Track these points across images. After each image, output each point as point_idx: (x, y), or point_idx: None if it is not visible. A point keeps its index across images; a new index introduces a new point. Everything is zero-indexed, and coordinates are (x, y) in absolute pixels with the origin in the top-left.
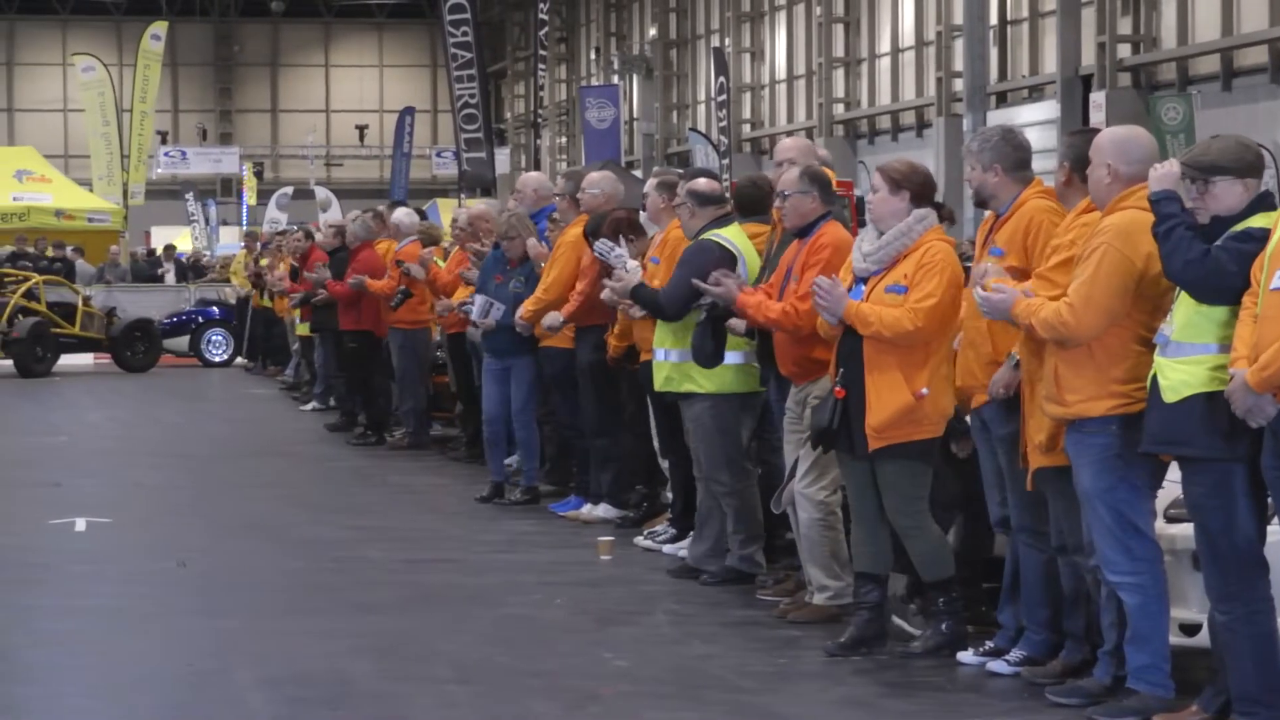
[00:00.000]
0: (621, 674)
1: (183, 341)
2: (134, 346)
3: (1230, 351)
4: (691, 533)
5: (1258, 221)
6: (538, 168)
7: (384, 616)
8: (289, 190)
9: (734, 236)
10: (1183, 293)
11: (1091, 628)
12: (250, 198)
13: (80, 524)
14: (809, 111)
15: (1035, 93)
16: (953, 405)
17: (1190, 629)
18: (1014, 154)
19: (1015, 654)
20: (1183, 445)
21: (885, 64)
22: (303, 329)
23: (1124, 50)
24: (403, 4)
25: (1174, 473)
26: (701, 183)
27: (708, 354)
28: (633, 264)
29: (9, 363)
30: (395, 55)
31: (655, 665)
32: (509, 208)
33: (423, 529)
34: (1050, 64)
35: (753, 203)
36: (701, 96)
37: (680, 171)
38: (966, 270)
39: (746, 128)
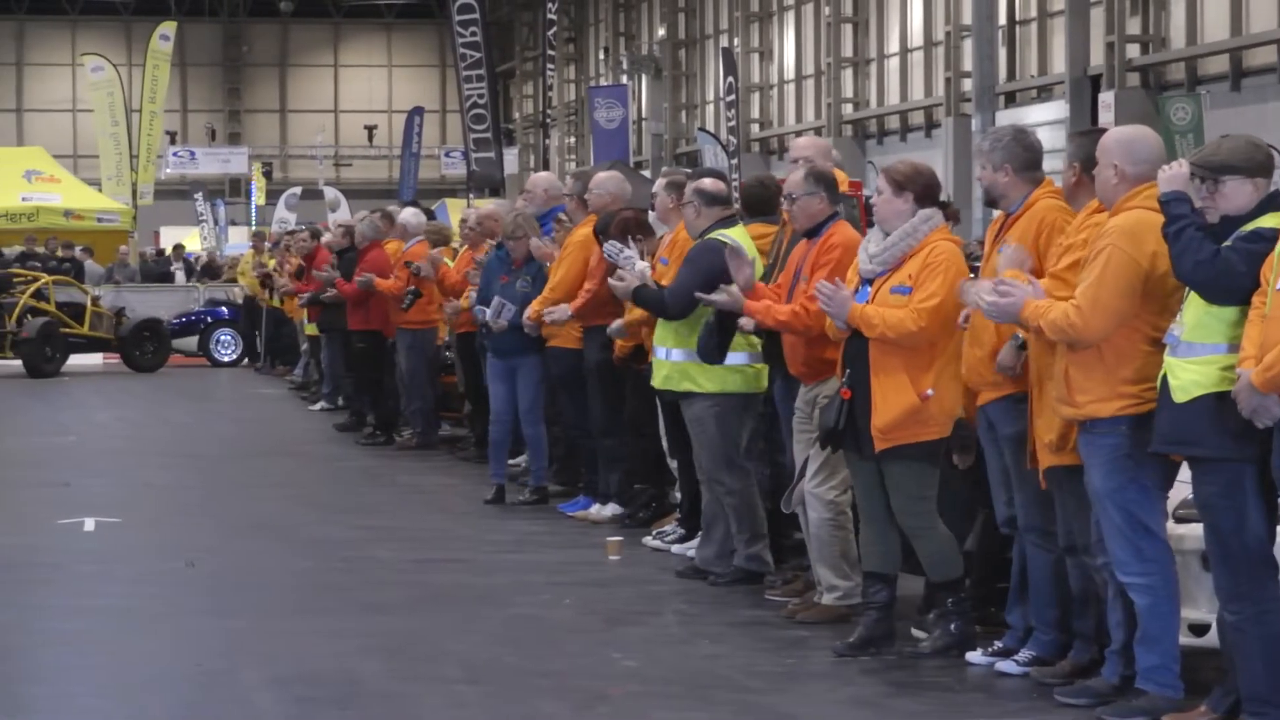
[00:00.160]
0: (630, 674)
1: (191, 341)
2: (143, 346)
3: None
4: (699, 534)
5: (1267, 222)
6: (546, 168)
7: (393, 616)
8: (298, 190)
9: (738, 237)
10: (1192, 293)
11: (1100, 628)
12: (259, 198)
13: (89, 524)
14: (818, 111)
15: (1044, 93)
16: (960, 405)
17: (1199, 629)
18: (1025, 154)
19: (1024, 654)
20: (1193, 445)
21: (894, 64)
22: (310, 329)
23: (1133, 50)
24: (411, 4)
25: (1182, 473)
26: (708, 182)
27: (711, 350)
28: (641, 264)
29: (18, 363)
30: (404, 55)
31: (664, 665)
32: (517, 207)
33: (431, 529)
34: (1059, 64)
35: (760, 203)
36: (710, 96)
37: (689, 171)
38: (975, 270)
39: (755, 128)
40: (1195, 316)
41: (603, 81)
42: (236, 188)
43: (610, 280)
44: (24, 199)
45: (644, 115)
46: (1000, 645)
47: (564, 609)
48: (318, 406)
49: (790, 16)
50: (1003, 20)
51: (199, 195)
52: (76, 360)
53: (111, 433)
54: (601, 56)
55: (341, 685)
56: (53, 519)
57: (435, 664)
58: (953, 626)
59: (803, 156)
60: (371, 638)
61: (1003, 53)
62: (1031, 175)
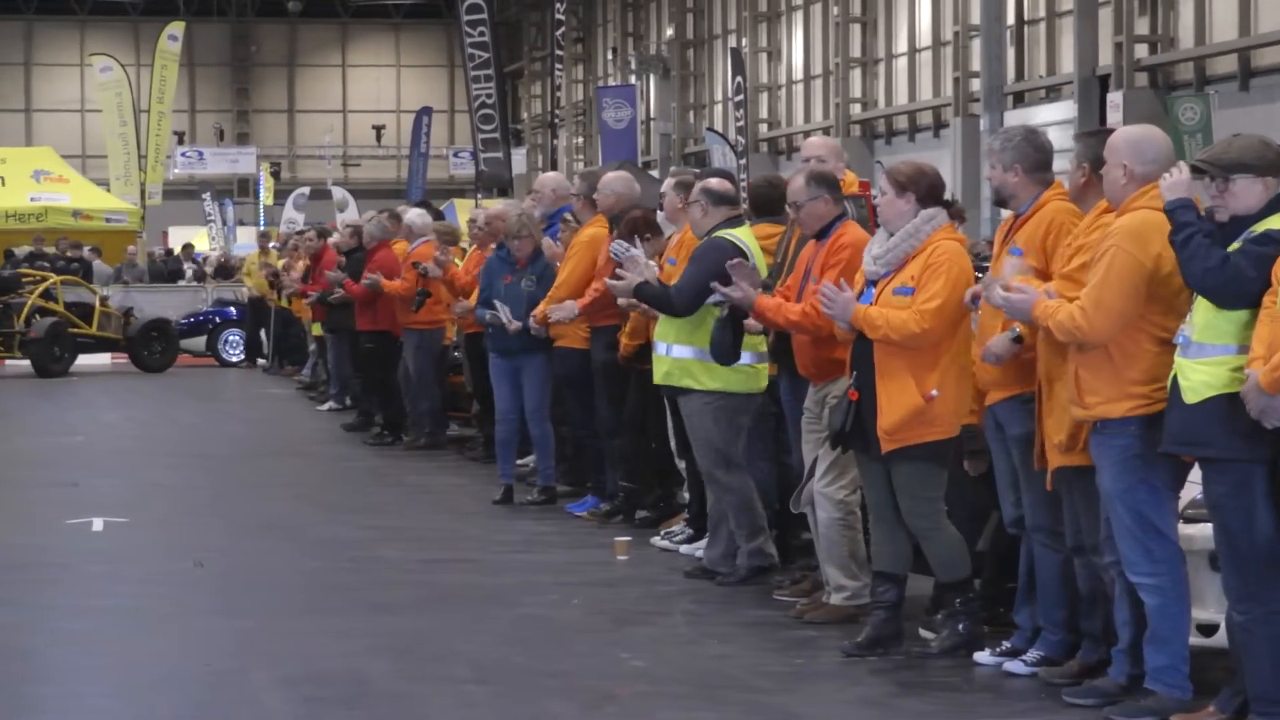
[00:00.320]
0: (638, 674)
1: (200, 341)
2: (151, 346)
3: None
4: (707, 534)
5: (1277, 223)
6: (554, 168)
7: (401, 616)
8: (306, 190)
9: (744, 237)
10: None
11: (1108, 628)
12: (267, 198)
13: (98, 524)
14: (826, 111)
15: (1052, 93)
16: (968, 404)
17: (1208, 629)
18: (1035, 155)
19: (1032, 654)
20: (1203, 446)
21: (902, 64)
22: (315, 329)
23: (1141, 50)
24: (420, 4)
25: (1192, 473)
26: (715, 182)
27: (726, 349)
28: (650, 264)
29: (26, 363)
30: (412, 55)
31: (672, 665)
32: (525, 207)
33: (440, 529)
34: (1067, 64)
35: (768, 203)
36: (718, 96)
37: (697, 171)
38: (985, 270)
39: (764, 127)
40: (1205, 318)
41: (611, 81)
42: (245, 188)
43: (607, 279)
44: (32, 199)
45: (652, 115)
46: (1008, 645)
47: (572, 609)
48: (326, 407)
49: (798, 16)
50: (1011, 20)
51: (207, 195)
52: (85, 360)
53: (120, 433)
54: (610, 56)
55: (349, 685)
56: (61, 519)
57: (443, 664)
58: (961, 627)
59: (814, 156)
60: (379, 638)
61: (1011, 53)
62: (1042, 176)
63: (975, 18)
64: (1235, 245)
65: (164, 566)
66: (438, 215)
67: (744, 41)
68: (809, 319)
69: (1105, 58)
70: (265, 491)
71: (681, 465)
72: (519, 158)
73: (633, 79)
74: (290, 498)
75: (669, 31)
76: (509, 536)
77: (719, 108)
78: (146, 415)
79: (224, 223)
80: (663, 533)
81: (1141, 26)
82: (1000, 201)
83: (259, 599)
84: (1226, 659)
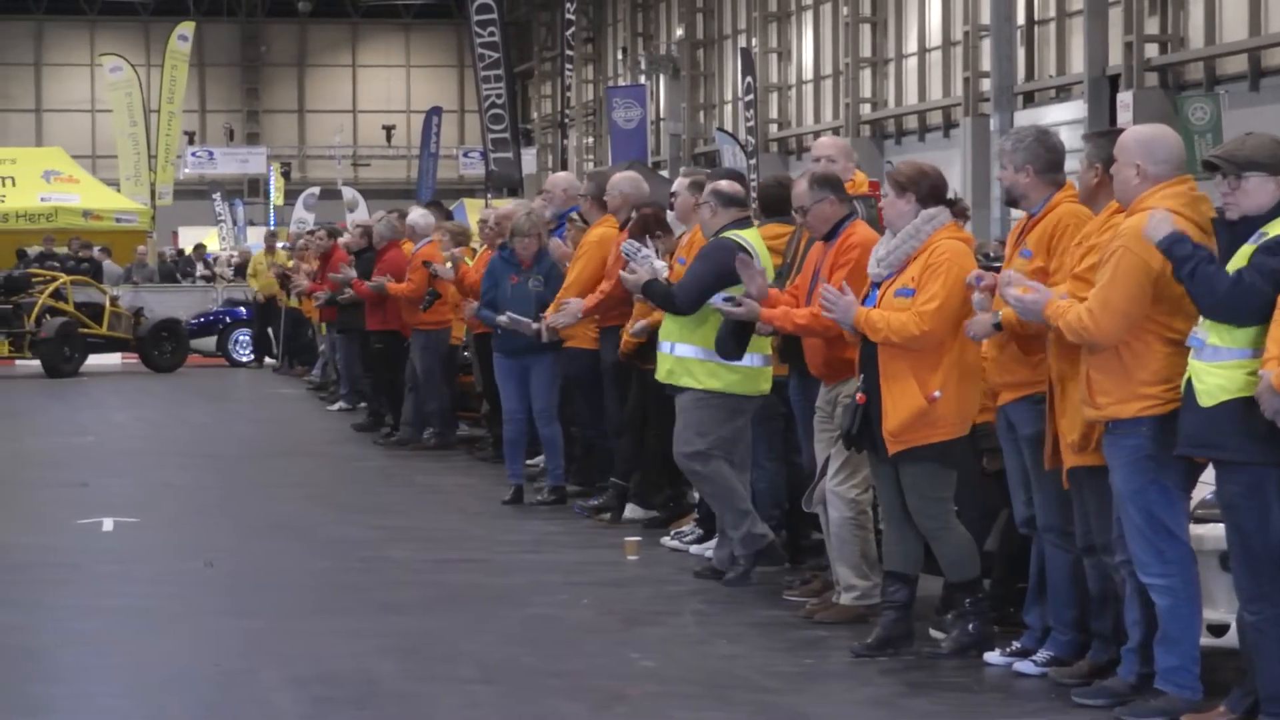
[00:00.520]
0: (648, 674)
1: (210, 341)
2: (161, 346)
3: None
4: (717, 534)
5: None
6: (564, 168)
7: (410, 616)
8: (316, 190)
9: (752, 238)
10: None
11: (1118, 628)
12: (277, 198)
13: (108, 524)
14: (836, 112)
15: (1062, 93)
16: (976, 404)
17: (1218, 629)
18: (1046, 155)
19: (1042, 654)
20: (1217, 449)
21: (912, 64)
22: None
23: (1151, 50)
24: (430, 4)
25: (1203, 474)
26: (724, 184)
27: (729, 347)
28: (659, 264)
29: (37, 363)
30: (422, 55)
31: (681, 665)
32: (536, 207)
33: (449, 529)
34: (1077, 64)
35: (777, 203)
36: (728, 96)
37: (709, 171)
38: (996, 271)
39: (774, 128)
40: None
41: (621, 81)
42: (255, 188)
43: (622, 273)
44: (43, 199)
45: (662, 115)
46: (1018, 645)
47: (582, 609)
48: (335, 407)
49: (808, 16)
50: (1021, 20)
51: (217, 195)
52: (95, 360)
53: (130, 433)
54: (620, 56)
55: (359, 685)
56: (71, 519)
57: (452, 664)
58: (970, 627)
59: (824, 156)
60: (389, 638)
61: (1021, 53)
62: (1053, 177)
63: (985, 18)
64: (1249, 247)
65: (174, 566)
66: (447, 215)
67: (754, 41)
68: (817, 321)
69: (1115, 57)
70: (275, 491)
71: None
72: (529, 158)
73: (643, 79)
74: (300, 498)
75: (679, 31)
76: (518, 536)
77: (729, 108)
78: (157, 415)
79: (234, 223)
80: (672, 533)
81: (1151, 26)
82: (1011, 201)
83: (269, 599)
84: (1237, 659)
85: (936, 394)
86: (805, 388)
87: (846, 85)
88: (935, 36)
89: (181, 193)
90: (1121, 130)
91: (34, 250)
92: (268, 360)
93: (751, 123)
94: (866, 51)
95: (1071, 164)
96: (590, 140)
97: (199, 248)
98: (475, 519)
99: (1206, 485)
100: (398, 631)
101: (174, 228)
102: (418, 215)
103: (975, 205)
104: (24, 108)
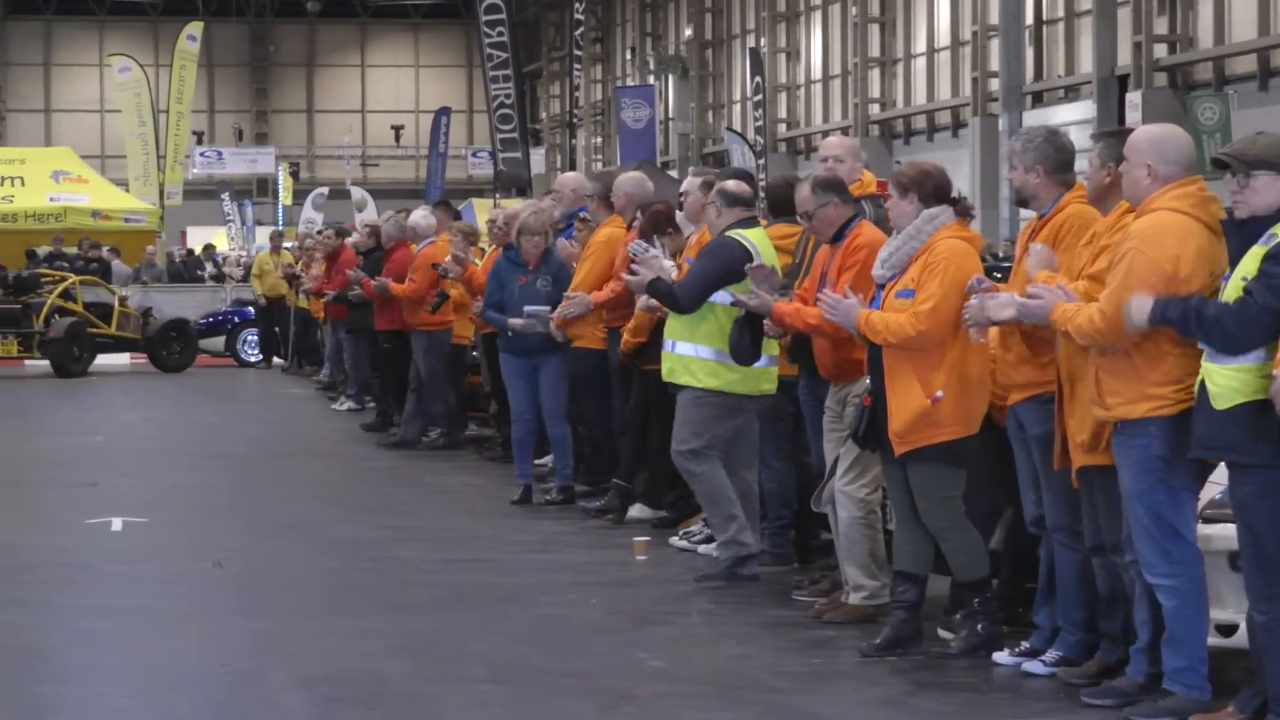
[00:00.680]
0: (656, 674)
1: (218, 341)
2: (170, 346)
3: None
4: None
5: None
6: (573, 168)
7: (419, 616)
8: (324, 190)
9: (756, 238)
10: (1227, 299)
11: (1127, 628)
12: (286, 198)
13: (117, 524)
14: (844, 111)
15: (1071, 93)
16: (983, 404)
17: (1227, 630)
18: (1056, 156)
19: (1051, 654)
20: (1231, 451)
21: (921, 64)
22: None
23: (1160, 50)
24: (438, 4)
25: (1212, 474)
26: (731, 184)
27: (745, 351)
28: (667, 264)
29: (45, 363)
30: (431, 55)
31: (690, 665)
32: (545, 206)
33: (457, 529)
34: (1086, 64)
35: (786, 203)
36: (737, 96)
37: (719, 171)
38: (1004, 272)
39: (782, 127)
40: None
41: (629, 81)
42: (264, 188)
43: (624, 274)
44: (52, 199)
45: (671, 115)
46: (1027, 645)
47: (590, 609)
48: (344, 407)
49: (817, 16)
50: (1030, 20)
51: (226, 195)
52: (104, 360)
53: (139, 433)
54: (628, 56)
55: (367, 685)
56: (80, 519)
57: (461, 664)
58: (979, 627)
59: (832, 156)
60: (397, 638)
61: (1030, 52)
62: (1063, 177)
63: (994, 17)
64: (1259, 249)
65: (183, 566)
66: (455, 215)
67: (763, 41)
68: (827, 322)
69: (1124, 57)
70: (284, 492)
71: None
72: (537, 158)
73: (651, 79)
74: (309, 498)
75: (688, 31)
76: (527, 536)
77: (737, 108)
78: (165, 415)
79: (243, 223)
80: (681, 533)
81: (1160, 26)
82: (1021, 202)
83: (277, 599)
84: (1245, 659)
85: (939, 394)
86: (814, 388)
87: (855, 85)
88: (944, 36)
89: (190, 193)
90: (1132, 130)
91: (43, 250)
92: (275, 360)
93: (760, 122)
94: (875, 51)
95: (1080, 164)
96: (599, 140)
97: (208, 248)
98: (484, 519)
99: (1215, 485)
100: (406, 631)
101: (183, 228)
102: (418, 216)
103: (984, 205)
104: (33, 108)
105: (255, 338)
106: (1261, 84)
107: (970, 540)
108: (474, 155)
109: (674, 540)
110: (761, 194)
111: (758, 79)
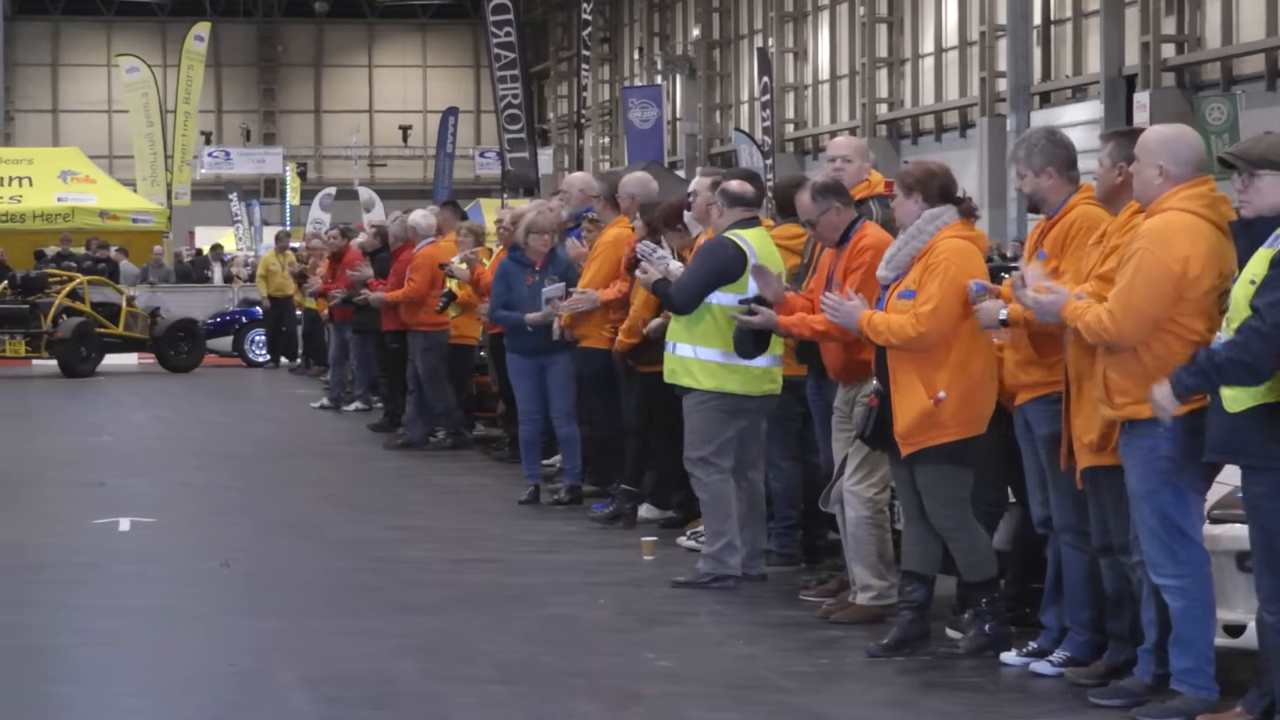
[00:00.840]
0: (664, 674)
1: (226, 342)
2: (178, 346)
3: None
4: None
5: None
6: (581, 168)
7: (427, 617)
8: (332, 191)
9: (753, 238)
10: (1239, 300)
11: (1135, 629)
12: (293, 198)
13: (125, 524)
14: (852, 112)
15: (1079, 93)
16: (989, 404)
17: (1234, 630)
18: (1064, 153)
19: (1058, 655)
20: (1244, 454)
21: (929, 64)
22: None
23: (1168, 50)
24: (446, 5)
25: (1220, 475)
26: (734, 184)
27: (747, 346)
28: (675, 264)
29: (53, 362)
30: (438, 56)
31: (698, 665)
32: (553, 206)
33: (465, 529)
34: (1094, 64)
35: (793, 203)
36: (745, 96)
37: (726, 171)
38: (1008, 272)
39: (790, 127)
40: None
41: (637, 81)
42: (271, 188)
43: (636, 272)
44: (60, 199)
45: (678, 115)
46: (1035, 646)
47: (598, 609)
48: (352, 407)
49: (825, 16)
50: (1037, 20)
51: (234, 195)
52: (111, 360)
53: (147, 433)
54: (636, 56)
55: (375, 685)
56: (88, 519)
57: (469, 664)
58: (987, 627)
59: (840, 156)
60: (405, 638)
61: (1037, 53)
62: (1072, 175)
63: (1002, 18)
64: (1266, 251)
65: (191, 566)
66: (462, 216)
67: (770, 41)
68: (834, 327)
69: (1132, 57)
70: (292, 492)
71: None
72: (545, 158)
73: (659, 79)
74: (317, 498)
75: (695, 32)
76: (535, 536)
77: (745, 108)
78: (173, 415)
79: (250, 223)
80: (689, 533)
81: (1168, 26)
82: (1033, 208)
83: (285, 599)
84: (1253, 659)
85: (941, 395)
86: (822, 388)
87: (863, 85)
88: (952, 36)
89: (198, 193)
90: (1143, 129)
91: (51, 250)
92: (282, 361)
93: (768, 123)
94: (883, 51)
95: (1088, 163)
96: (606, 140)
97: (216, 248)
98: (492, 519)
99: (1222, 485)
100: (414, 631)
101: (190, 228)
102: (418, 215)
103: (991, 205)
104: (41, 108)
105: (263, 338)
106: (1269, 84)
107: (978, 540)
108: (481, 155)
109: (681, 540)
110: (769, 194)
111: (765, 79)
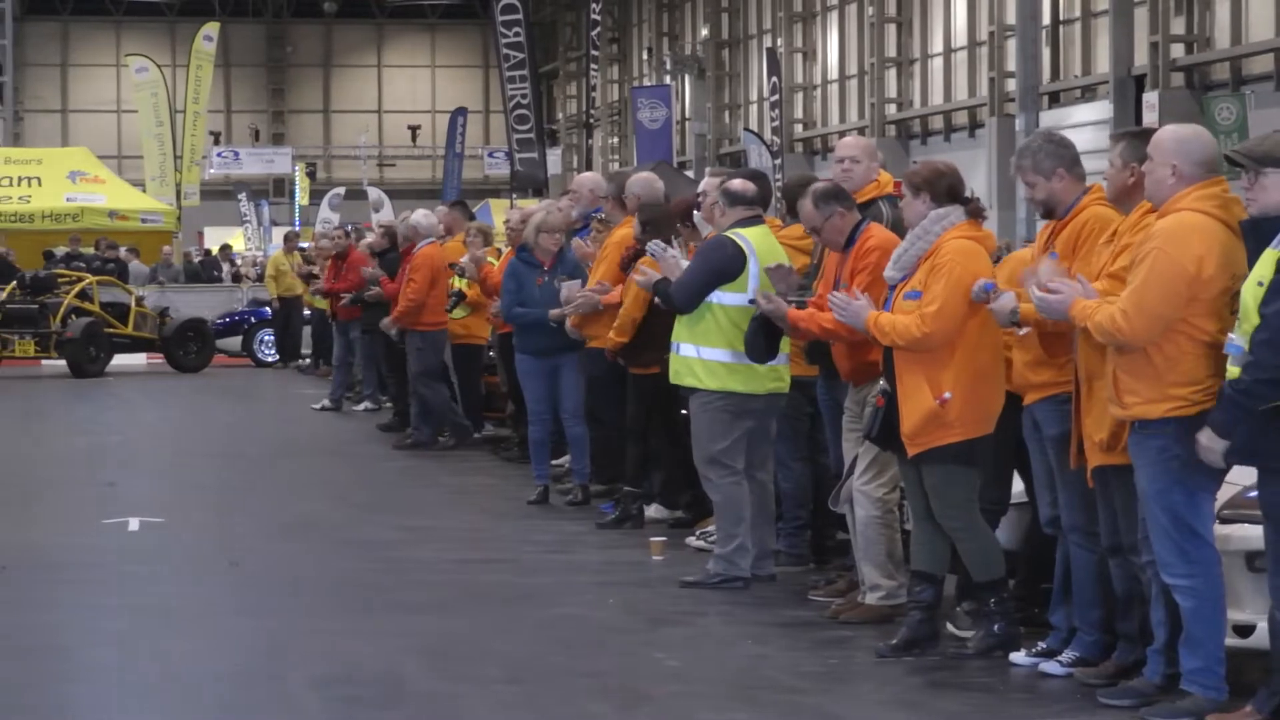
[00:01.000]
0: (673, 674)
1: (235, 341)
2: (187, 346)
3: None
4: None
5: None
6: (590, 168)
7: (435, 616)
8: (341, 191)
9: (755, 238)
10: (1248, 302)
11: (1144, 629)
12: (302, 198)
13: (133, 524)
14: (861, 112)
15: (1088, 93)
16: (996, 404)
17: (1244, 630)
18: (1068, 152)
19: (1067, 655)
20: (1260, 457)
21: (938, 64)
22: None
23: (1177, 50)
24: (455, 5)
25: (1229, 474)
26: (736, 183)
27: (759, 349)
28: (684, 264)
29: (62, 363)
30: (447, 56)
31: (707, 665)
32: (563, 206)
33: (474, 529)
34: (1103, 64)
35: None
36: (754, 96)
37: (735, 171)
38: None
39: (799, 127)
40: (1255, 326)
41: (646, 82)
42: (280, 188)
43: (632, 274)
44: (69, 199)
45: (687, 115)
46: (1044, 646)
47: (607, 609)
48: (361, 407)
49: (834, 16)
50: (1046, 20)
51: (243, 196)
52: (120, 360)
53: (155, 433)
54: (645, 57)
55: (384, 685)
56: (97, 519)
57: (478, 664)
58: (996, 627)
59: (848, 156)
60: (414, 638)
61: (1046, 52)
62: (1077, 172)
63: (1010, 18)
64: (1272, 252)
65: (200, 566)
66: (471, 216)
67: (779, 41)
68: (842, 325)
69: (1141, 57)
70: (301, 492)
71: None
72: (554, 158)
73: (668, 79)
74: (326, 498)
75: (704, 31)
76: (544, 536)
77: (754, 108)
78: (182, 415)
79: (259, 223)
80: (698, 533)
81: (1177, 26)
82: (1047, 213)
83: (294, 599)
84: (1263, 660)
85: (946, 395)
86: (832, 389)
87: (872, 85)
88: (960, 36)
89: (207, 193)
90: (1154, 129)
91: (60, 250)
92: (291, 361)
93: (777, 123)
94: (892, 51)
95: (1093, 164)
96: (615, 140)
97: (225, 248)
98: (501, 519)
99: (1232, 485)
100: (423, 631)
101: (199, 228)
102: (419, 216)
103: (1000, 206)
104: (50, 108)
105: (272, 338)
106: (1279, 84)
107: (986, 540)
108: (490, 155)
109: (690, 540)
110: (778, 194)
111: (774, 79)
